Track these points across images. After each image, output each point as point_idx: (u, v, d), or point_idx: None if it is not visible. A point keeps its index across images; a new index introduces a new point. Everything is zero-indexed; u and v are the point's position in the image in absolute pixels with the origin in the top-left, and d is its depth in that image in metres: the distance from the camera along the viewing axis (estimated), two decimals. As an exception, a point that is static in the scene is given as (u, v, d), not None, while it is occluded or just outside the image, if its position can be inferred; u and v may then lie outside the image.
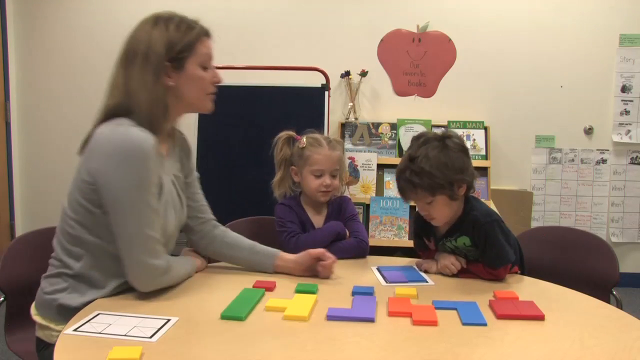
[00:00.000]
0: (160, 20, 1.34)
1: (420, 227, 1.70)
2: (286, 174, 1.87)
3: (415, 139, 1.56)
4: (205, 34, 1.40)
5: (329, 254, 1.51)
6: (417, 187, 1.49)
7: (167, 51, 1.31)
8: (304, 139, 1.84)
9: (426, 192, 1.50)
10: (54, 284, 1.31)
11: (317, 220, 1.85)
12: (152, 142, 1.25)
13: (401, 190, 1.57)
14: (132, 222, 1.23)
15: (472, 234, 1.55)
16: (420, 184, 1.48)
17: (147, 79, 1.30)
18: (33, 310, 1.33)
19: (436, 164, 1.47)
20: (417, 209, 1.62)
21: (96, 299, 1.27)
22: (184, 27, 1.35)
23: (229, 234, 1.60)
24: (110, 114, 1.32)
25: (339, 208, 1.86)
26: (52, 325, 1.28)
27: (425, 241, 1.70)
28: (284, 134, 1.88)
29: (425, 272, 1.58)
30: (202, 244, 1.58)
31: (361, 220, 3.44)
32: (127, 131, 1.24)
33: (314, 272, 1.52)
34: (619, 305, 1.67)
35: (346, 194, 1.96)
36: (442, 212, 1.55)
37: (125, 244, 1.24)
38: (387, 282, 1.48)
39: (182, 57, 1.34)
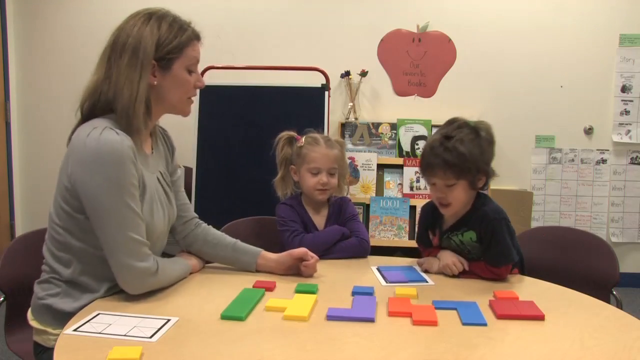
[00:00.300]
0: (153, 18, 1.33)
1: (429, 220, 1.70)
2: (287, 173, 1.88)
3: (449, 122, 1.58)
4: (196, 37, 1.39)
5: (311, 254, 1.51)
6: (447, 164, 1.49)
7: (156, 50, 1.30)
8: (303, 139, 1.85)
9: (453, 173, 1.50)
10: (46, 289, 1.30)
11: (318, 220, 1.85)
12: (128, 143, 1.24)
13: (428, 165, 1.54)
14: (114, 226, 1.22)
15: (480, 229, 1.55)
16: (451, 162, 1.49)
17: (133, 75, 1.28)
18: (29, 315, 1.33)
19: (469, 149, 1.50)
20: (431, 195, 1.61)
21: (90, 302, 1.26)
22: (176, 28, 1.34)
23: (210, 232, 1.59)
24: (88, 109, 1.31)
25: (340, 209, 1.87)
26: (49, 330, 1.27)
27: (430, 234, 1.70)
28: (285, 134, 1.89)
29: (426, 271, 1.58)
30: (184, 243, 1.58)
31: (361, 220, 3.46)
32: (102, 135, 1.21)
33: (296, 271, 1.52)
34: (619, 305, 1.67)
35: (347, 194, 1.96)
36: (458, 198, 1.55)
37: (110, 248, 1.23)
38: (387, 282, 1.48)
39: (170, 57, 1.32)
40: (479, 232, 1.56)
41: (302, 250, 1.52)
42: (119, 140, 1.22)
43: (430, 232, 1.70)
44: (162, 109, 1.40)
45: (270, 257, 1.54)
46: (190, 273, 1.49)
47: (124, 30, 1.32)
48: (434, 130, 3.64)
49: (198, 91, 1.48)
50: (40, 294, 1.31)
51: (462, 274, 1.54)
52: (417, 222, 1.79)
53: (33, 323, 1.31)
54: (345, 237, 1.78)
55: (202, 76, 1.45)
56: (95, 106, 1.31)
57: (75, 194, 1.24)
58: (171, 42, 1.32)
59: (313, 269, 1.51)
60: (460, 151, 1.48)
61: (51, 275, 1.31)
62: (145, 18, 1.32)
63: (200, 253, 1.57)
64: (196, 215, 1.62)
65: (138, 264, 1.25)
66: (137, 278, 1.25)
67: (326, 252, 1.71)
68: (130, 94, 1.27)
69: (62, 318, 1.21)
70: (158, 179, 1.42)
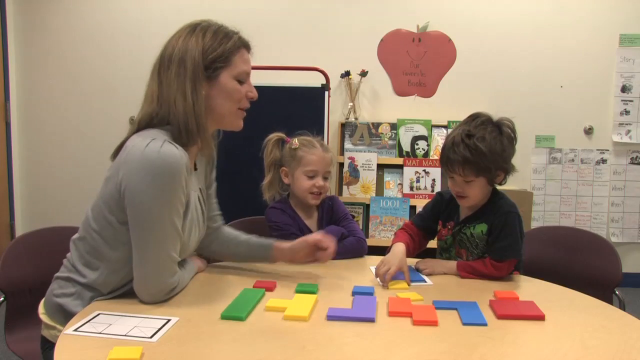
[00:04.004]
0: (198, 28, 1.31)
1: (442, 210, 1.71)
2: (275, 176, 1.85)
3: (472, 118, 1.59)
4: (244, 45, 1.35)
5: (326, 240, 1.49)
6: (467, 162, 1.51)
7: (203, 58, 1.27)
8: (296, 140, 1.82)
9: (472, 170, 1.52)
10: (63, 287, 1.30)
11: (309, 222, 1.83)
12: (185, 159, 1.22)
13: (448, 161, 1.56)
14: (156, 242, 1.21)
15: (492, 221, 1.57)
16: (472, 161, 1.51)
17: (186, 87, 1.25)
18: (41, 308, 1.32)
19: (491, 148, 1.51)
20: (449, 186, 1.62)
21: None
22: (220, 36, 1.31)
23: (225, 232, 1.59)
24: (145, 123, 1.28)
25: (330, 209, 1.85)
26: (58, 326, 1.26)
27: (439, 226, 1.71)
28: (273, 136, 1.86)
29: (429, 275, 1.56)
30: (201, 246, 1.56)
31: (361, 221, 3.46)
32: (163, 147, 1.19)
33: (311, 258, 1.51)
34: (622, 304, 1.67)
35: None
36: (476, 192, 1.57)
37: (144, 261, 1.22)
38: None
39: (216, 67, 1.29)
40: (491, 225, 1.57)
41: (316, 236, 1.50)
42: (178, 155, 1.20)
43: (440, 222, 1.71)
44: (213, 122, 1.36)
45: (284, 246, 1.52)
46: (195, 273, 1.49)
47: (169, 44, 1.30)
48: (434, 130, 3.66)
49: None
50: (56, 290, 1.30)
51: (463, 272, 1.54)
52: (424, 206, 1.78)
53: (43, 317, 1.30)
54: (344, 237, 1.77)
55: None
56: (153, 119, 1.28)
57: (123, 205, 1.21)
58: (215, 49, 1.29)
59: (329, 256, 1.49)
60: (481, 150, 1.50)
61: (72, 274, 1.29)
62: (190, 29, 1.31)
63: (217, 254, 1.56)
64: (223, 222, 1.60)
65: (168, 280, 1.25)
66: (162, 292, 1.25)
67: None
68: (185, 107, 1.25)
69: (71, 318, 1.21)
70: (198, 197, 1.40)
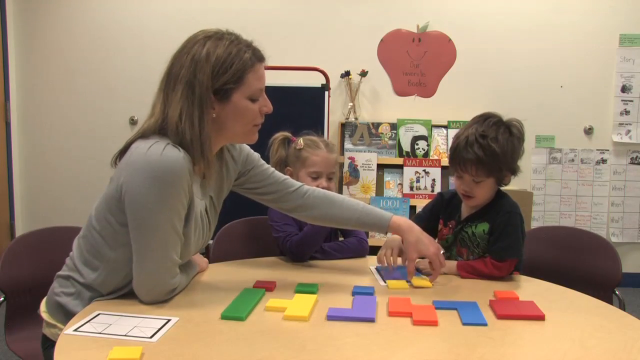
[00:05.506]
0: (209, 42, 1.23)
1: (442, 209, 1.72)
2: None
3: (484, 118, 1.59)
4: (258, 59, 1.29)
5: (436, 262, 1.45)
6: (481, 163, 1.52)
7: (213, 82, 1.22)
8: (301, 141, 1.82)
9: (484, 171, 1.53)
10: (63, 285, 1.30)
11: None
12: (187, 162, 1.20)
13: (461, 160, 1.55)
14: (156, 244, 1.20)
15: (494, 220, 1.57)
16: (485, 161, 1.52)
17: (193, 114, 1.21)
18: (42, 306, 1.32)
19: (503, 149, 1.53)
20: (456, 186, 1.63)
21: None
22: (233, 53, 1.23)
23: (335, 198, 1.52)
24: (151, 129, 1.25)
25: None
26: (59, 325, 1.26)
27: (440, 225, 1.71)
28: (279, 135, 1.86)
29: (427, 274, 1.57)
30: (306, 216, 1.52)
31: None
32: (165, 150, 1.17)
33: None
34: (622, 304, 1.67)
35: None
36: (483, 192, 1.58)
37: (144, 263, 1.21)
38: (384, 282, 1.47)
39: (227, 89, 1.24)
40: (493, 224, 1.58)
41: (432, 254, 1.45)
42: (180, 157, 1.18)
43: (441, 222, 1.71)
44: (224, 139, 1.33)
45: (400, 231, 1.48)
46: (197, 273, 1.48)
47: (178, 58, 1.25)
48: (434, 130, 3.66)
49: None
50: (57, 289, 1.30)
51: (463, 272, 1.54)
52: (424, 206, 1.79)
53: (44, 315, 1.30)
54: (333, 231, 1.77)
55: None
56: (155, 132, 1.26)
57: (122, 207, 1.21)
58: (226, 70, 1.22)
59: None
60: (494, 150, 1.51)
61: (72, 273, 1.29)
62: (199, 44, 1.23)
63: (320, 219, 1.52)
64: (302, 183, 1.56)
65: (168, 282, 1.24)
66: (162, 293, 1.25)
67: (325, 253, 1.71)
68: (192, 133, 1.21)
69: (72, 317, 1.20)
70: (206, 205, 1.38)
